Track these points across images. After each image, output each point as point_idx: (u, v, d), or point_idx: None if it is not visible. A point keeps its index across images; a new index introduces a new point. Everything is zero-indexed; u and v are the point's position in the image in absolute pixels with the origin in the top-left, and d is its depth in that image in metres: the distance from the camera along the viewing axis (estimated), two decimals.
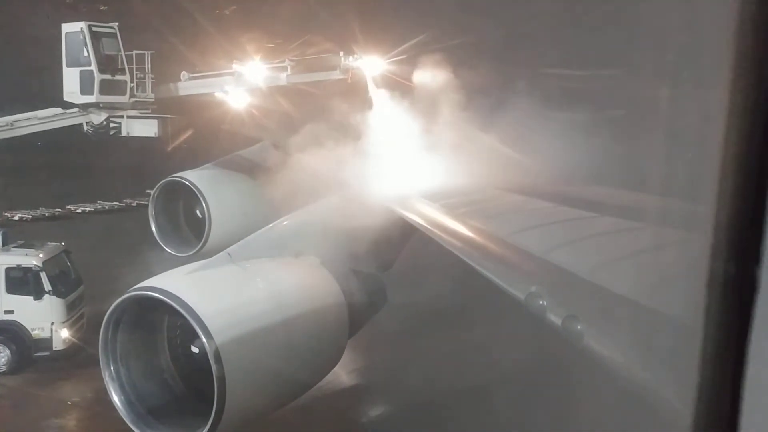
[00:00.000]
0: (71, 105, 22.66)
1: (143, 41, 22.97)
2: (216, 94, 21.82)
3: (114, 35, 22.42)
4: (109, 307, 13.55)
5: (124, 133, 23.17)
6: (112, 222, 36.79)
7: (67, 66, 22.27)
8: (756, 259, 1.96)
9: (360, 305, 15.71)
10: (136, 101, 22.52)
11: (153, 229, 25.75)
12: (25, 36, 29.08)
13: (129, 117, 22.98)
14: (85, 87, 21.89)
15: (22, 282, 20.09)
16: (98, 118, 22.83)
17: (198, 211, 24.82)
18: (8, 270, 20.09)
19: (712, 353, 2.09)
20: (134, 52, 22.33)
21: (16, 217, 35.50)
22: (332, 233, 16.50)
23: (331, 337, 15.08)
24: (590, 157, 12.57)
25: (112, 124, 23.05)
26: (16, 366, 19.83)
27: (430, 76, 17.30)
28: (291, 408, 14.65)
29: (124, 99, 22.26)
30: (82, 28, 21.87)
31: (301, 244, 15.81)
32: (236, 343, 12.59)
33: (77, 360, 20.05)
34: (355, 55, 18.93)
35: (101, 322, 13.68)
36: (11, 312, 19.99)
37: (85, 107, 22.64)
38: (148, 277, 13.78)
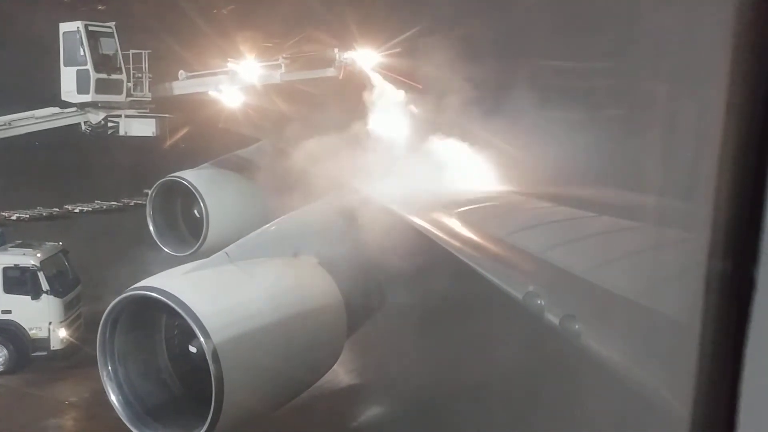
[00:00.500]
0: (69, 104, 22.62)
1: (142, 40, 22.92)
2: (210, 93, 21.76)
3: (111, 34, 22.37)
4: (107, 307, 13.54)
5: (121, 133, 23.12)
6: (109, 222, 36.70)
7: (65, 65, 22.23)
8: (753, 258, 1.96)
9: (358, 305, 15.71)
10: (134, 100, 22.47)
11: (151, 228, 25.73)
12: (24, 35, 29.02)
13: (127, 116, 22.93)
14: (82, 86, 21.85)
15: (19, 282, 20.09)
16: (96, 117, 22.79)
17: (196, 211, 24.81)
18: (6, 269, 20.09)
19: (710, 352, 2.09)
20: (131, 51, 22.28)
21: (14, 217, 35.40)
22: (330, 233, 16.51)
23: (329, 337, 15.09)
24: (587, 157, 12.57)
25: (109, 124, 23.01)
26: (14, 366, 19.82)
27: (425, 71, 17.29)
28: (289, 408, 14.65)
29: (121, 98, 22.21)
30: (78, 27, 21.82)
31: (299, 244, 15.81)
32: (234, 342, 12.59)
33: (75, 360, 20.06)
34: (351, 52, 18.88)
35: (99, 322, 13.68)
36: (9, 312, 19.98)
37: (82, 106, 22.61)
38: (146, 277, 13.78)
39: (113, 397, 13.70)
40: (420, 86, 17.50)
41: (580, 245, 11.70)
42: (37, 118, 22.50)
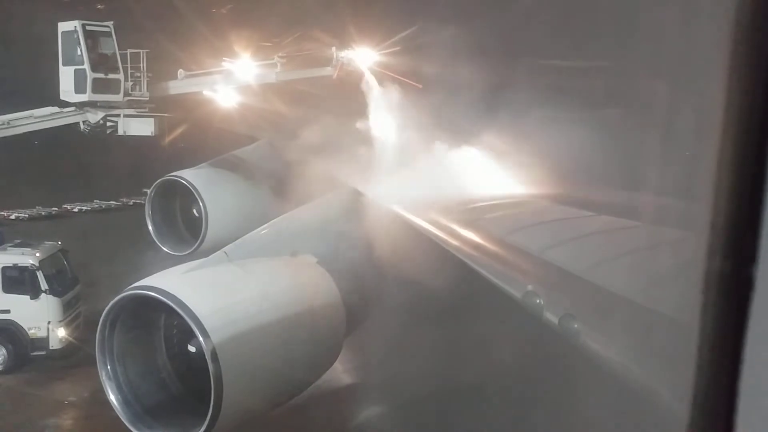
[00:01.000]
0: (68, 104, 22.61)
1: (140, 40, 22.89)
2: (205, 92, 21.72)
3: (109, 34, 22.33)
4: (105, 306, 13.54)
5: (120, 132, 23.09)
6: (108, 221, 36.73)
7: (63, 65, 22.20)
8: (752, 258, 1.96)
9: (356, 304, 15.71)
10: (132, 100, 22.44)
11: (150, 228, 25.73)
12: (23, 34, 29.00)
13: (125, 116, 22.90)
14: (79, 86, 21.82)
15: (18, 281, 20.08)
16: (95, 116, 22.77)
17: (195, 210, 24.79)
18: (4, 269, 20.08)
19: (708, 351, 2.09)
20: (129, 51, 22.24)
21: (13, 216, 35.42)
22: (329, 232, 16.52)
23: (328, 336, 15.09)
24: (585, 156, 12.58)
25: (108, 123, 22.99)
26: (13, 365, 19.81)
27: (423, 69, 17.28)
28: (288, 407, 14.65)
29: (118, 98, 22.16)
30: (75, 27, 21.79)
31: (298, 243, 15.81)
32: (233, 342, 12.58)
33: (74, 359, 20.05)
34: (347, 50, 18.86)
35: (98, 321, 13.67)
36: (8, 311, 19.97)
37: (80, 106, 22.59)
38: (145, 276, 13.77)
39: (112, 397, 13.69)
40: (420, 86, 17.48)
41: (579, 245, 11.72)
42: (36, 118, 22.46)
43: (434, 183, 15.45)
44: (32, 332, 20.00)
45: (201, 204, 24.00)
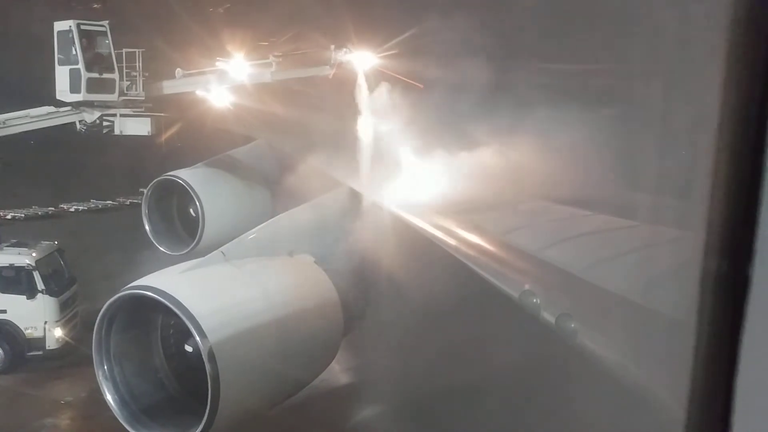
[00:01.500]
0: (64, 103, 22.56)
1: (137, 39, 22.85)
2: (198, 92, 21.66)
3: (104, 33, 22.26)
4: (102, 306, 13.52)
5: (117, 132, 23.05)
6: (105, 221, 36.69)
7: (59, 64, 22.14)
8: (749, 257, 1.97)
9: (354, 303, 15.71)
10: (127, 99, 22.38)
11: (146, 227, 25.69)
12: (20, 33, 28.94)
13: (122, 115, 22.85)
14: (74, 85, 21.75)
15: (15, 281, 20.06)
16: (91, 116, 22.70)
17: (192, 210, 24.77)
18: (1, 269, 20.06)
19: (705, 350, 2.10)
20: (124, 50, 22.17)
21: (9, 216, 35.38)
22: (326, 232, 16.51)
23: (326, 336, 15.09)
24: (582, 156, 12.58)
25: (105, 123, 22.94)
26: (9, 365, 19.79)
27: (420, 70, 17.26)
28: (286, 407, 14.65)
29: (113, 97, 22.09)
30: (70, 26, 21.73)
31: (295, 243, 15.80)
32: (230, 341, 12.57)
33: (71, 359, 20.03)
34: (347, 50, 18.82)
35: (95, 321, 13.65)
36: (4, 311, 19.96)
37: (77, 105, 22.54)
38: (142, 276, 13.75)
39: (109, 397, 13.68)
40: (421, 86, 17.44)
41: (576, 244, 11.73)
42: (32, 117, 22.39)
43: (431, 182, 15.45)
44: (29, 332, 19.98)
45: (198, 204, 23.98)
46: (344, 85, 18.75)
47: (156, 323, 14.35)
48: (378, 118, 17.85)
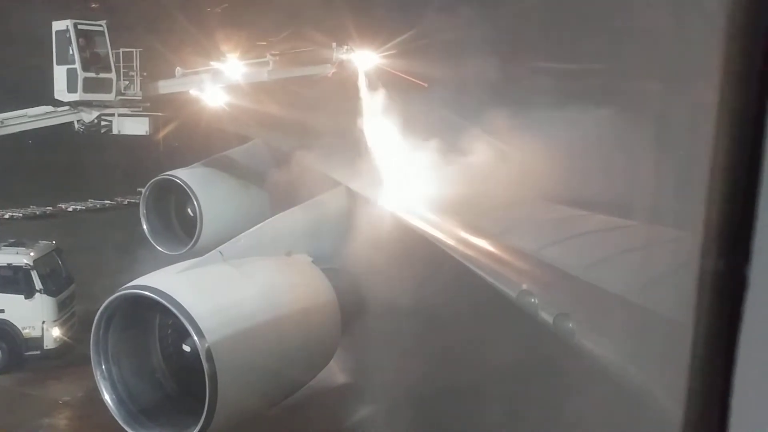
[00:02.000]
0: (62, 103, 22.53)
1: (135, 39, 22.82)
2: (201, 92, 21.62)
3: (102, 33, 22.23)
4: (100, 306, 13.51)
5: (115, 131, 22.99)
6: (103, 220, 36.68)
7: (57, 64, 22.11)
8: (746, 257, 1.97)
9: (352, 303, 15.71)
10: (125, 99, 22.34)
11: (144, 227, 25.68)
12: (19, 33, 28.93)
13: (120, 115, 22.81)
14: (71, 85, 21.71)
15: (12, 280, 20.02)
16: (89, 116, 22.67)
17: (189, 210, 24.76)
18: None
19: (703, 350, 2.10)
20: (121, 50, 22.13)
21: (7, 216, 35.38)
22: (324, 231, 16.51)
23: (324, 336, 15.09)
24: (580, 156, 12.59)
25: (103, 122, 22.89)
26: (7, 365, 19.75)
27: (420, 70, 17.25)
28: (284, 406, 14.64)
29: (110, 97, 22.05)
30: (68, 26, 21.70)
31: (293, 243, 15.80)
32: (228, 341, 12.57)
33: (68, 359, 20.00)
34: (348, 49, 18.78)
35: (93, 321, 13.64)
36: (2, 311, 19.93)
37: (75, 105, 22.51)
38: (140, 276, 13.74)
39: (107, 396, 13.67)
40: (425, 84, 17.40)
41: (574, 244, 11.73)
42: (30, 117, 22.34)
43: (429, 182, 15.45)
44: (27, 332, 19.95)
45: (196, 203, 23.97)
46: (344, 83, 18.74)
47: (154, 323, 14.34)
48: (378, 117, 17.85)
